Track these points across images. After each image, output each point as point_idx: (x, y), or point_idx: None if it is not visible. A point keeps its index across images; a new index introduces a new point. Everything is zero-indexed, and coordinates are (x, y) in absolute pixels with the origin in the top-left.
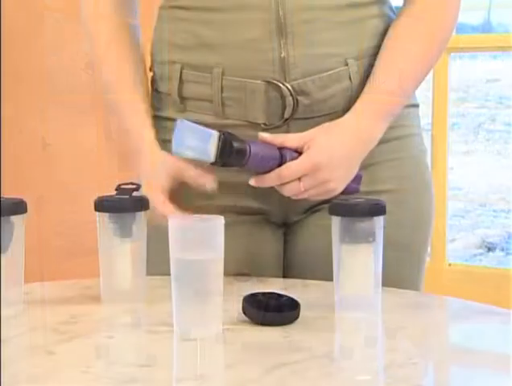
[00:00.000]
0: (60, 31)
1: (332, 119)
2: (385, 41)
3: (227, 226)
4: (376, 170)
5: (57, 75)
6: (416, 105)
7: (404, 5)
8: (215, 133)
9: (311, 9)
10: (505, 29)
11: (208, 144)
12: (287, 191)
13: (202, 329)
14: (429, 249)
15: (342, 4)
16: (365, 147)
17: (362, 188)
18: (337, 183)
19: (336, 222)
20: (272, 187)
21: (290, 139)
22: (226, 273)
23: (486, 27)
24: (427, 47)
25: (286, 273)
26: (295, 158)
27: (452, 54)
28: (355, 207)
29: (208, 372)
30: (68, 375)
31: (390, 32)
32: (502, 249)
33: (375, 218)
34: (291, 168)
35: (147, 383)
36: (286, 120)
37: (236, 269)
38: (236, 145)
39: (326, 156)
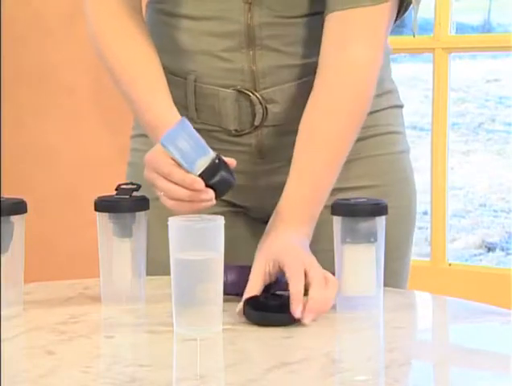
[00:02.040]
0: (61, 31)
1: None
2: (297, 141)
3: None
4: (355, 165)
5: (57, 75)
6: (397, 106)
7: (320, 64)
8: (212, 154)
9: (278, 24)
10: (505, 29)
11: (199, 158)
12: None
13: (202, 329)
14: (429, 249)
15: (308, 20)
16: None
17: (342, 184)
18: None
19: (337, 222)
20: (250, 186)
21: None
22: None
23: (486, 27)
24: (341, 142)
25: None
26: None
27: (452, 54)
28: (357, 207)
29: (208, 372)
30: (68, 375)
31: (303, 128)
32: (502, 249)
33: (377, 218)
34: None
35: (147, 383)
36: (257, 127)
37: None
38: (224, 174)
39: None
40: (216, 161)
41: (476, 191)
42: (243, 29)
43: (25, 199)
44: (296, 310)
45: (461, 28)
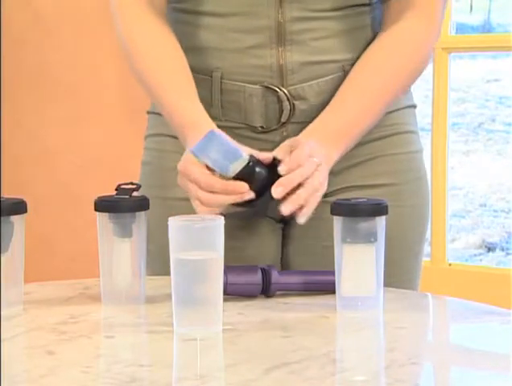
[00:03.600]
0: (61, 31)
1: None
2: (351, 72)
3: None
4: (372, 164)
5: (57, 75)
6: (413, 106)
7: (381, 31)
8: (244, 157)
9: (309, 19)
10: (505, 29)
11: (231, 164)
12: (300, 175)
13: (202, 329)
14: (429, 249)
15: (340, 14)
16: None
17: (361, 182)
18: (325, 179)
19: (337, 222)
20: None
21: (278, 149)
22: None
23: (486, 27)
24: (392, 83)
25: (285, 267)
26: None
27: (452, 54)
28: (357, 207)
29: (208, 372)
30: (68, 375)
31: (360, 61)
32: (502, 249)
33: (377, 218)
34: (300, 151)
35: (147, 384)
36: (284, 123)
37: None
38: (258, 170)
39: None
40: (250, 164)
41: (476, 191)
42: (273, 24)
43: (25, 199)
44: (276, 189)
45: (461, 28)
